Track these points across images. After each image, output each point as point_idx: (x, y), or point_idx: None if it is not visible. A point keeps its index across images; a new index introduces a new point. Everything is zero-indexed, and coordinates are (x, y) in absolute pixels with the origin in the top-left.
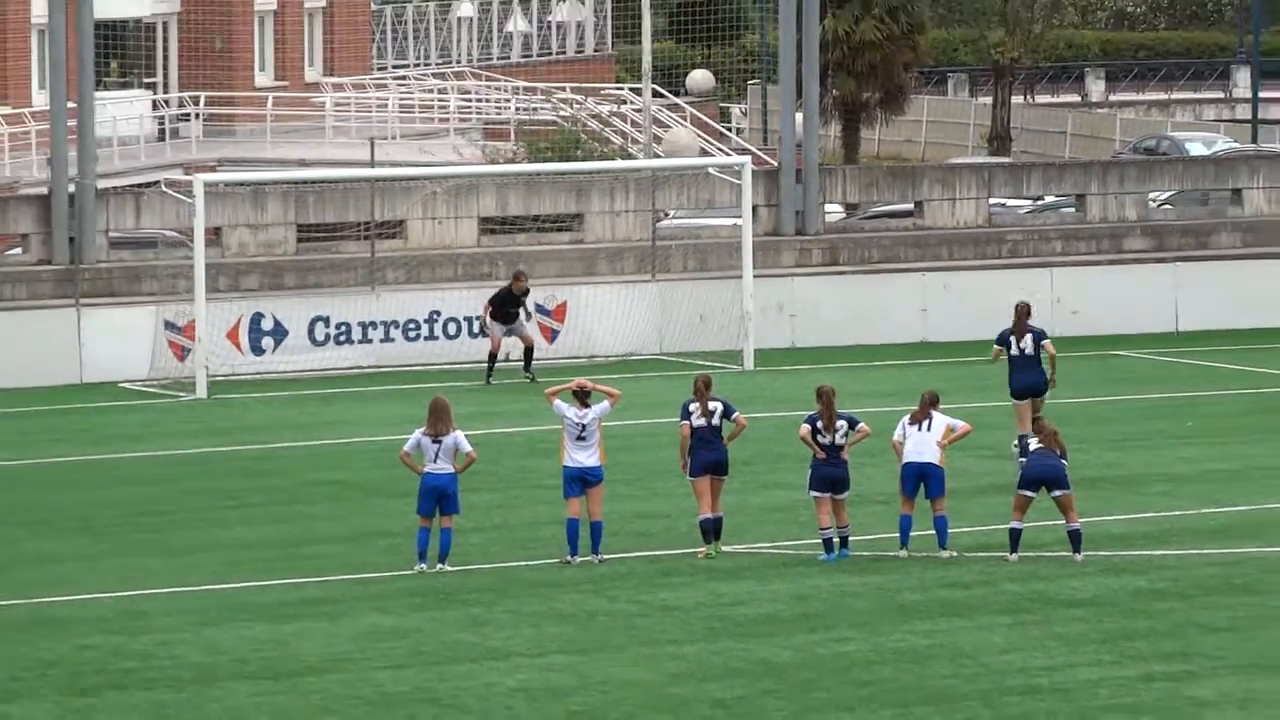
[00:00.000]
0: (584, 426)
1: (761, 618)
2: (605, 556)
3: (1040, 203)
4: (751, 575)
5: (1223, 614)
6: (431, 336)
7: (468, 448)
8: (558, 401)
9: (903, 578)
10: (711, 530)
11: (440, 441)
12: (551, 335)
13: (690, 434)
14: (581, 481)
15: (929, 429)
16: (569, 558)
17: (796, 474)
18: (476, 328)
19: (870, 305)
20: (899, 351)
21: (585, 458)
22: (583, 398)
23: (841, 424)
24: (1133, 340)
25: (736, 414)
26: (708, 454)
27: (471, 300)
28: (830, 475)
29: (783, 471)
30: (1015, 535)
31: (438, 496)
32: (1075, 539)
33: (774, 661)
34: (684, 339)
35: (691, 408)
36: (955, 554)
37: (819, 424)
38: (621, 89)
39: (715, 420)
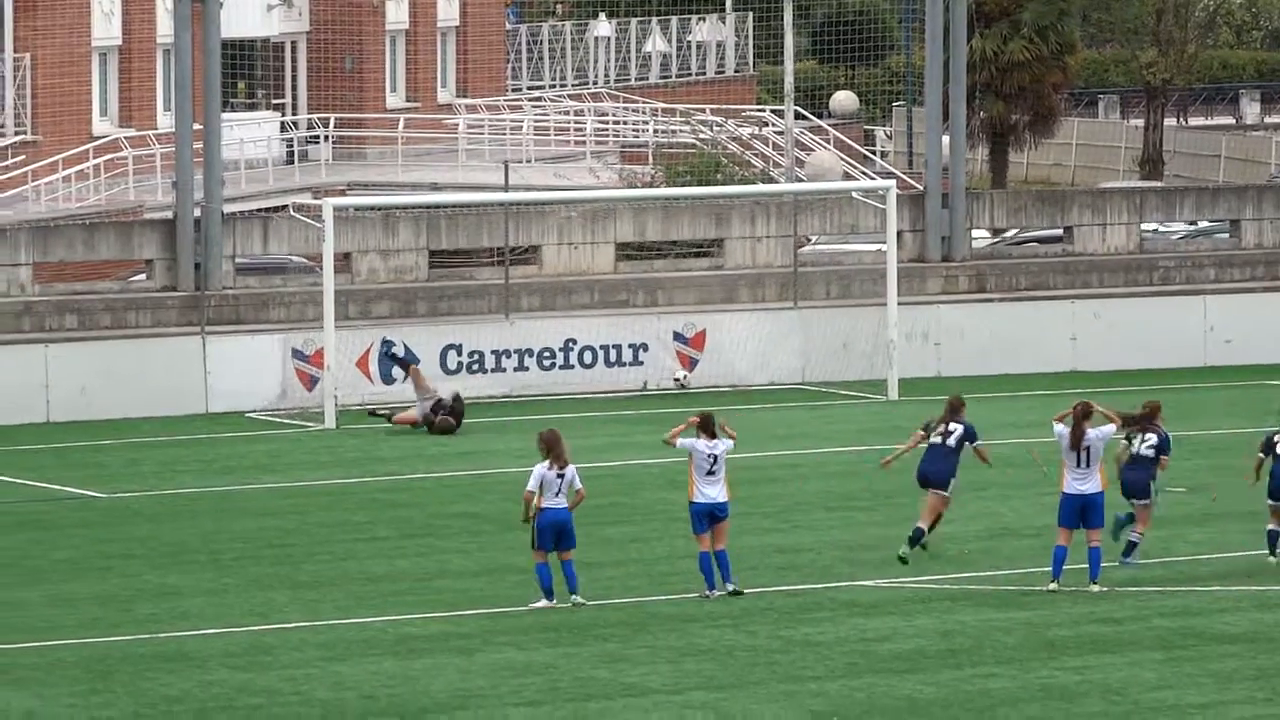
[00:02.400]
0: (715, 459)
1: (905, 654)
2: (738, 586)
3: (1194, 228)
4: (895, 610)
5: None
6: (567, 365)
7: (580, 484)
8: (683, 440)
9: (1052, 613)
10: (915, 539)
11: (564, 475)
12: (691, 364)
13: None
14: (710, 517)
15: (1088, 463)
16: (707, 593)
17: (957, 503)
18: (614, 356)
19: (1018, 333)
20: (1047, 381)
21: (715, 492)
22: (709, 429)
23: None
24: None
25: (978, 444)
26: (929, 467)
27: (608, 328)
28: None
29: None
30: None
31: (558, 532)
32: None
33: (918, 699)
34: (826, 368)
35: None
36: (1106, 589)
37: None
38: (763, 111)
39: (951, 442)
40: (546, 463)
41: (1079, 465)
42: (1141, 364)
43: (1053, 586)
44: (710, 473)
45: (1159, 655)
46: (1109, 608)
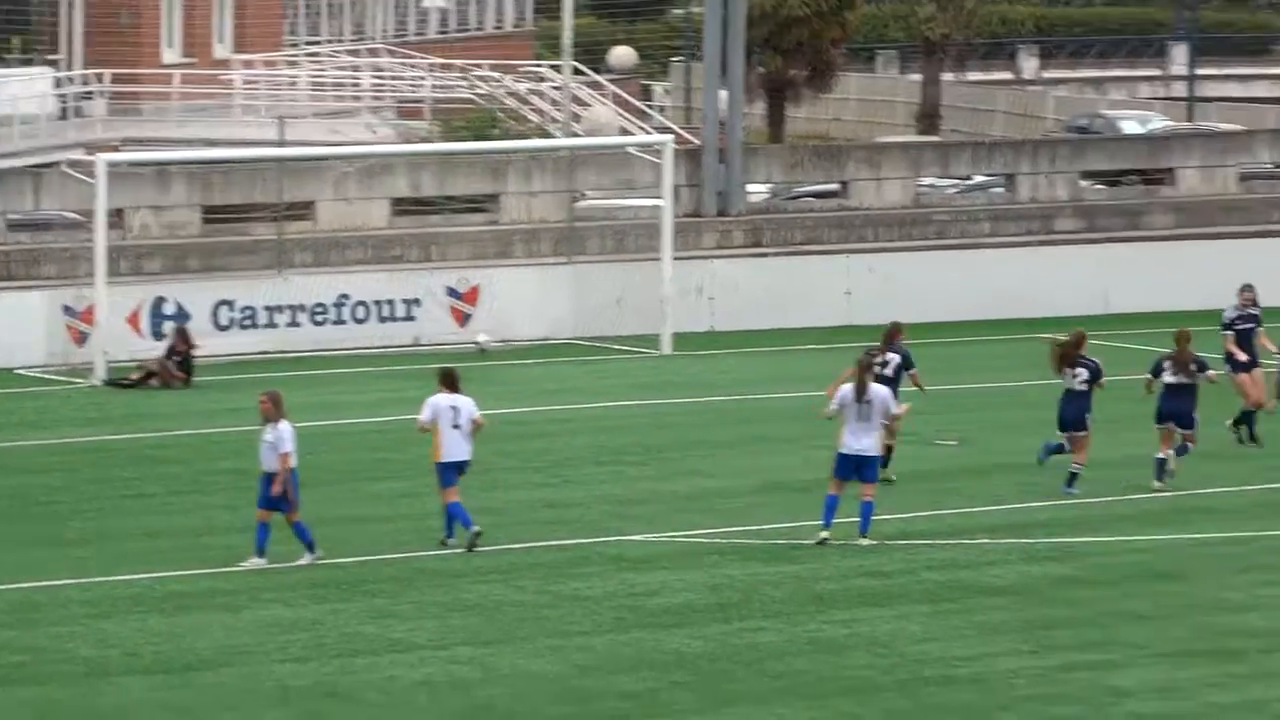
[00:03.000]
0: (457, 411)
1: (674, 608)
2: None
3: (969, 183)
4: (664, 564)
5: (1145, 601)
6: (339, 321)
7: (288, 446)
8: (430, 399)
9: (820, 566)
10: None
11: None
12: (464, 319)
13: None
14: (459, 470)
15: (869, 418)
16: (447, 538)
17: (711, 461)
18: (387, 311)
19: (792, 288)
20: (821, 335)
21: (463, 450)
22: (451, 385)
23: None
24: (1063, 323)
25: (913, 370)
26: None
27: (381, 283)
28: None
29: (696, 459)
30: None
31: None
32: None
33: (685, 652)
34: (600, 323)
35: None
36: (875, 543)
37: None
38: (541, 66)
39: (889, 371)
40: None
41: (859, 419)
42: (916, 317)
43: (824, 535)
44: (456, 426)
45: (926, 608)
46: (877, 561)
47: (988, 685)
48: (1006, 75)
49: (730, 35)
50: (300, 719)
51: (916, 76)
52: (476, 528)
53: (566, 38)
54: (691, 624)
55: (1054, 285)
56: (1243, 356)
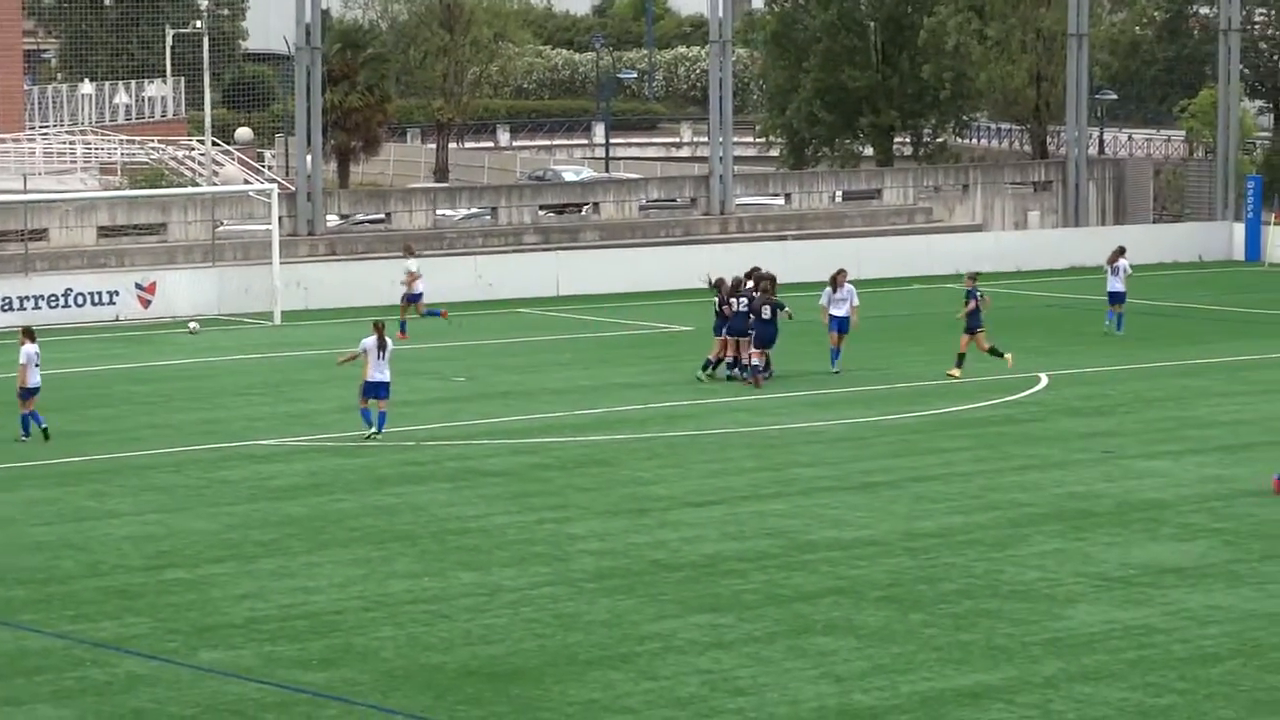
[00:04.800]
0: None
1: (286, 487)
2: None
3: (468, 212)
4: (280, 459)
5: (589, 479)
6: (66, 306)
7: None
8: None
9: (379, 459)
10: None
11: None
12: (146, 304)
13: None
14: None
15: (386, 358)
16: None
17: (308, 391)
18: (97, 300)
19: (358, 281)
20: (376, 312)
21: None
22: (30, 335)
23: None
24: (529, 302)
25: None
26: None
27: (93, 281)
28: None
29: (299, 390)
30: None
31: None
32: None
33: (294, 515)
34: (236, 304)
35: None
36: (414, 444)
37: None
38: (191, 140)
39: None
40: None
41: (379, 359)
42: (437, 299)
43: (370, 433)
44: (37, 365)
45: (449, 485)
46: (415, 455)
47: (490, 534)
48: (490, 144)
49: (312, 119)
50: (46, 560)
51: (432, 145)
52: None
53: (207, 123)
54: (298, 497)
55: (523, 277)
56: None
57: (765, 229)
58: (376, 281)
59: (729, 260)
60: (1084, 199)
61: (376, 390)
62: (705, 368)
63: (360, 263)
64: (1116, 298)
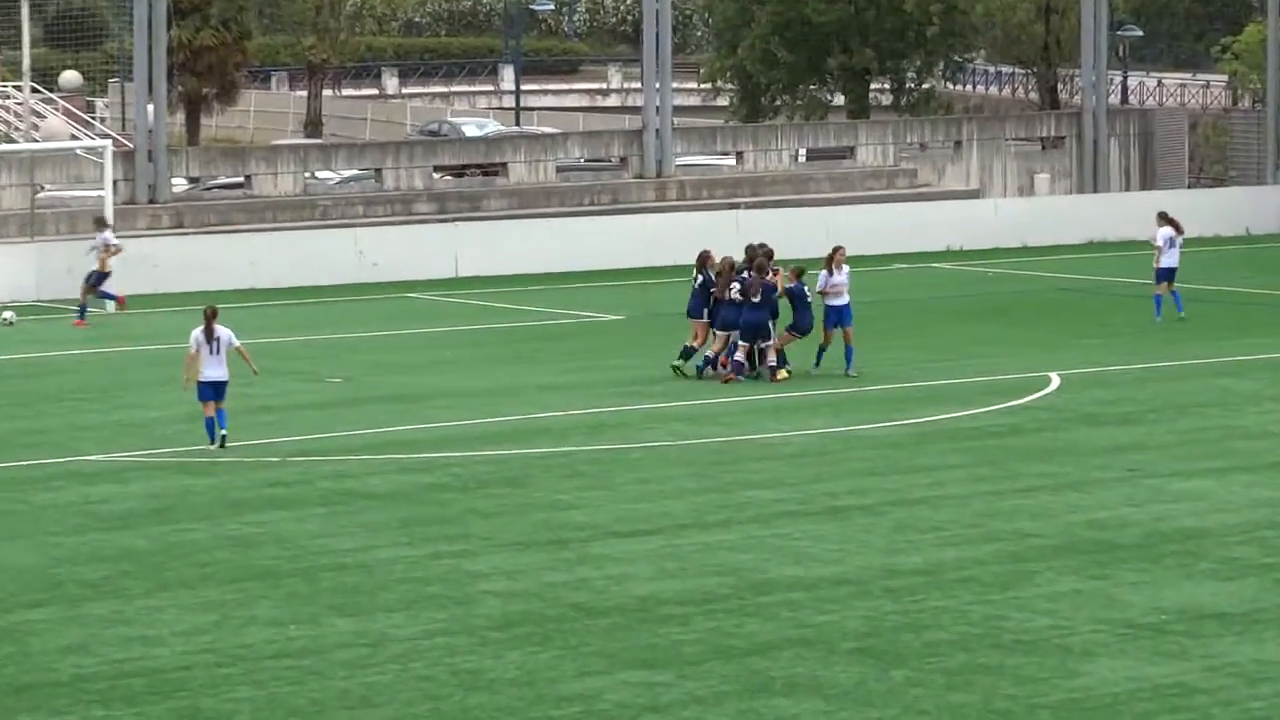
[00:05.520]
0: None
1: (121, 513)
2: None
3: (347, 175)
4: (112, 478)
5: (494, 503)
6: None
7: None
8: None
9: (234, 478)
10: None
11: None
12: None
13: None
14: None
15: (220, 352)
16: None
17: (146, 396)
18: None
19: (209, 259)
20: (232, 296)
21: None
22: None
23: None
24: (422, 285)
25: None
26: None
27: None
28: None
29: (135, 394)
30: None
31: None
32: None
33: (131, 548)
34: (59, 288)
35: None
36: (279, 459)
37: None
38: (5, 86)
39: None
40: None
41: (212, 354)
42: (307, 281)
43: (213, 445)
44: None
45: (321, 510)
46: (280, 473)
47: (372, 571)
48: (373, 91)
49: (155, 61)
50: None
51: (303, 93)
52: None
53: (25, 64)
54: (134, 526)
55: (414, 255)
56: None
57: (712, 195)
58: (232, 260)
59: (669, 235)
60: (1103, 159)
61: (207, 392)
62: (685, 356)
63: (213, 237)
64: (1166, 274)
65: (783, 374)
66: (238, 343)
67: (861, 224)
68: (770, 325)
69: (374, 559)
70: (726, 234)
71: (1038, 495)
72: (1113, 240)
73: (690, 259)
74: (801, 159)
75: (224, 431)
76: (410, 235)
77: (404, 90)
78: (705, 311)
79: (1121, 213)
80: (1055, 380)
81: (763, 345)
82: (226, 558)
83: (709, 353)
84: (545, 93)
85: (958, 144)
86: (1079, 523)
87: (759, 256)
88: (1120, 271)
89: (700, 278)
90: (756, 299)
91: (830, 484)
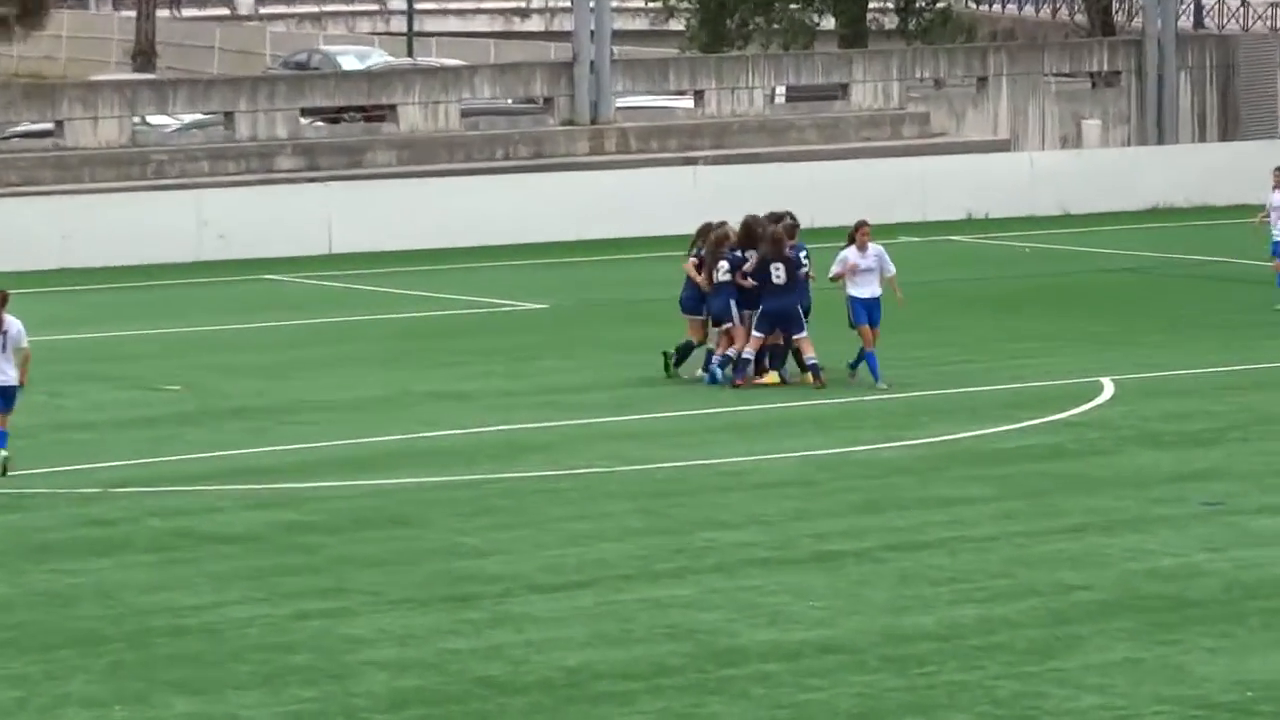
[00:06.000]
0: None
1: None
2: None
3: (189, 121)
4: None
5: (378, 547)
6: None
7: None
8: None
9: (44, 515)
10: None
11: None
12: None
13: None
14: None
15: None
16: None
17: None
18: None
19: (6, 228)
20: (35, 279)
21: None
22: None
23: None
24: (284, 264)
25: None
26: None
27: None
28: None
29: None
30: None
31: None
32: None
33: None
34: None
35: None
36: (99, 490)
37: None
38: None
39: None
40: None
41: (3, 351)
42: (135, 259)
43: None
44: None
45: (153, 557)
46: (101, 509)
47: (220, 635)
48: (223, 11)
49: None
50: None
51: (130, 13)
52: None
53: None
54: None
55: (276, 224)
56: None
57: (663, 147)
58: (39, 230)
59: (607, 199)
60: (1171, 100)
61: None
62: (678, 356)
63: (13, 201)
64: None
65: (770, 377)
66: (25, 342)
67: (857, 184)
68: (801, 313)
69: (222, 619)
70: (681, 196)
71: (1085, 537)
72: (1182, 206)
73: (637, 229)
74: (779, 100)
75: (5, 453)
76: (270, 199)
77: (261, 10)
78: (733, 304)
79: (1195, 170)
80: (1108, 388)
81: (797, 338)
82: (32, 619)
83: (746, 353)
84: (446, 13)
85: (982, 80)
86: (1138, 572)
87: (775, 228)
88: (1193, 247)
89: (726, 262)
90: (780, 280)
91: (816, 522)
